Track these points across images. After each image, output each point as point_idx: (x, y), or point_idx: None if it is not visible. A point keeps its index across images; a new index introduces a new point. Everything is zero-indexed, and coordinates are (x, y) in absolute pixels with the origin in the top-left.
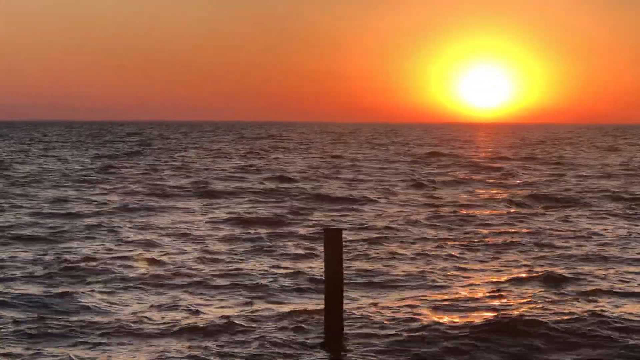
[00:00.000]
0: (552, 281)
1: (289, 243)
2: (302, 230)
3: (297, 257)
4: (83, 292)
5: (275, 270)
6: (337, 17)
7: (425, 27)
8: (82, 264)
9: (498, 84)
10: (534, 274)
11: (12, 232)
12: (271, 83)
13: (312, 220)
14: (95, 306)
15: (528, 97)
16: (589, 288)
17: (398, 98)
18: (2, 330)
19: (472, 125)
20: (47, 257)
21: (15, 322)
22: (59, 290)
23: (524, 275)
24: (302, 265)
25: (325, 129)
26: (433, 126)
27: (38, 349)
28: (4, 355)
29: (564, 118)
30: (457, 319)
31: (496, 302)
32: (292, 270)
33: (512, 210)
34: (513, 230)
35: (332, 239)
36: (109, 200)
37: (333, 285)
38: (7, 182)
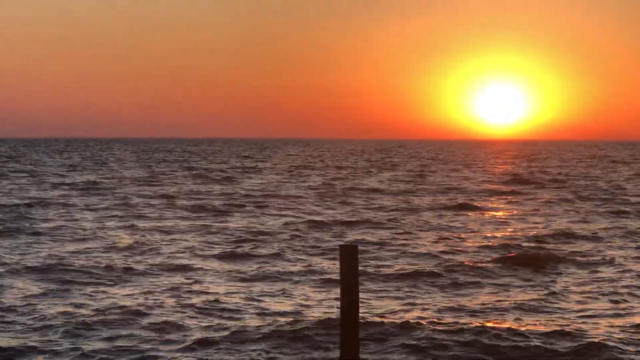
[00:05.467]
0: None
1: None
2: None
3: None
4: None
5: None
6: (349, 31)
7: (439, 43)
8: None
9: (513, 100)
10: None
11: None
12: (278, 99)
13: None
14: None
15: (544, 114)
16: None
17: (411, 114)
18: None
19: (488, 142)
20: None
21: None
22: None
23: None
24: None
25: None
26: (448, 143)
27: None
28: None
29: (581, 135)
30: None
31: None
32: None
33: None
34: None
35: (347, 255)
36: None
37: (349, 303)
38: None
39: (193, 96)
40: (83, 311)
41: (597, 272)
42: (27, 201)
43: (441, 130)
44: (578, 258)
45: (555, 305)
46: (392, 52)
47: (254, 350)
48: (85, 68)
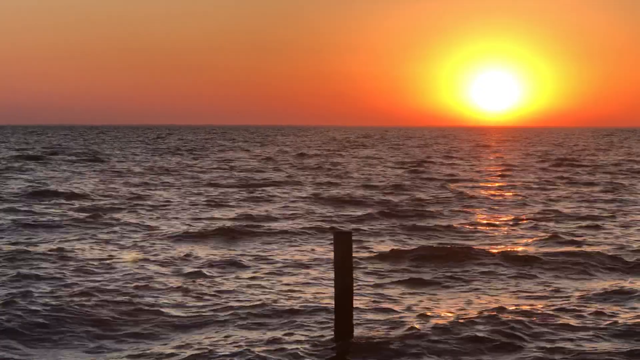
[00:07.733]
0: None
1: None
2: None
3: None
4: None
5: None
6: (345, 19)
7: (434, 30)
8: None
9: (508, 87)
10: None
11: None
12: (276, 86)
13: None
14: None
15: (538, 100)
16: None
17: (407, 101)
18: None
19: (482, 128)
20: None
21: None
22: None
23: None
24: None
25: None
26: (443, 130)
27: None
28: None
29: (576, 121)
30: (468, 320)
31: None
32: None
33: None
34: None
35: (341, 242)
36: None
37: (343, 289)
38: None
39: (190, 84)
40: None
41: None
42: None
43: (436, 117)
44: None
45: None
46: (387, 39)
47: (246, 327)
48: (88, 58)
